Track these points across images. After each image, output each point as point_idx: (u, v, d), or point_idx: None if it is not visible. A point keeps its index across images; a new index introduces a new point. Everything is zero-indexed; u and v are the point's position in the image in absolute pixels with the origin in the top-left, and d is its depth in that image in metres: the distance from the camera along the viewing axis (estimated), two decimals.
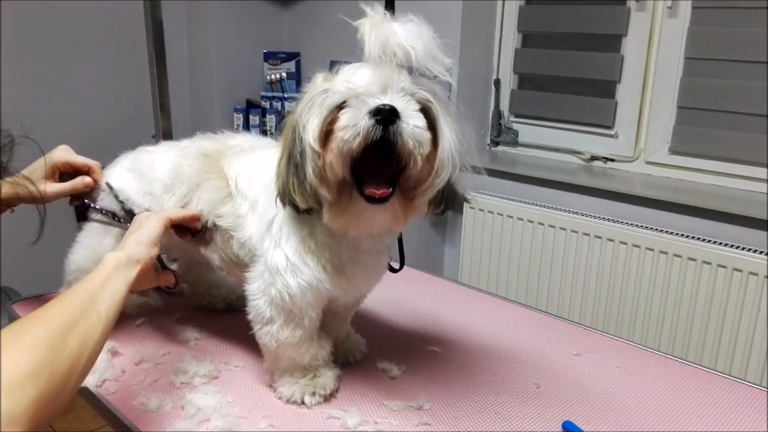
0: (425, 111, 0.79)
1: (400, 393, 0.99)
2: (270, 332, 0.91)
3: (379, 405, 0.96)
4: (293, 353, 0.93)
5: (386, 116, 0.73)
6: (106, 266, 0.83)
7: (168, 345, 1.12)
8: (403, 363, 1.07)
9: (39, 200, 0.91)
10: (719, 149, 1.97)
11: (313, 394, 0.94)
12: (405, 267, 1.05)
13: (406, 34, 0.75)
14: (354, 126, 0.74)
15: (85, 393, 0.97)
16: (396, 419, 0.92)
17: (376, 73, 0.78)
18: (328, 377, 0.97)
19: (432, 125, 0.79)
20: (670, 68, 2.02)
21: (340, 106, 0.77)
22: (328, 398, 0.96)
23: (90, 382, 0.97)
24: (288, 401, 0.95)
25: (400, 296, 1.11)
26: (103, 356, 0.98)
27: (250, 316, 0.94)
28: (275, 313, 0.90)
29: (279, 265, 0.88)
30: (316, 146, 0.78)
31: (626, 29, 2.09)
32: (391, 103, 0.74)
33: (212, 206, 1.01)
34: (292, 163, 0.82)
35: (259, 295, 0.91)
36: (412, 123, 0.75)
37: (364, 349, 1.10)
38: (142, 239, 0.90)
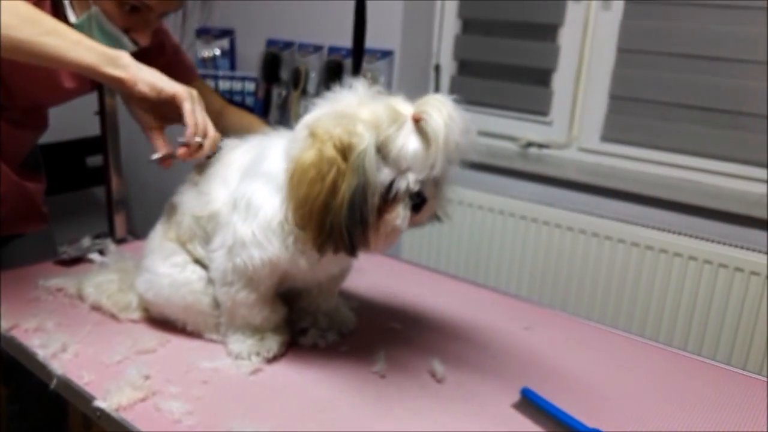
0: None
1: (360, 366, 1.00)
2: (228, 292, 0.99)
3: (335, 375, 0.98)
4: (246, 312, 1.00)
5: (420, 203, 0.88)
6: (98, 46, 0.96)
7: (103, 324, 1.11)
8: (363, 339, 1.09)
9: None
10: (648, 138, 2.07)
11: (257, 354, 1.00)
12: None
13: (460, 124, 0.83)
14: (401, 218, 0.87)
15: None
16: (355, 388, 0.95)
17: (423, 153, 0.84)
18: (274, 341, 1.02)
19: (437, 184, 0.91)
20: (603, 59, 2.11)
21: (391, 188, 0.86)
22: (271, 360, 1.01)
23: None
24: (236, 357, 1.01)
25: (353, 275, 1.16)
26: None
27: (211, 275, 1.02)
28: (236, 277, 0.97)
29: (246, 239, 0.94)
30: (373, 219, 0.86)
31: (563, 19, 2.16)
32: (426, 194, 0.88)
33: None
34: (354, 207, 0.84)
35: (224, 260, 0.97)
36: (431, 205, 0.90)
37: (354, 322, 1.13)
38: (149, 73, 0.97)
